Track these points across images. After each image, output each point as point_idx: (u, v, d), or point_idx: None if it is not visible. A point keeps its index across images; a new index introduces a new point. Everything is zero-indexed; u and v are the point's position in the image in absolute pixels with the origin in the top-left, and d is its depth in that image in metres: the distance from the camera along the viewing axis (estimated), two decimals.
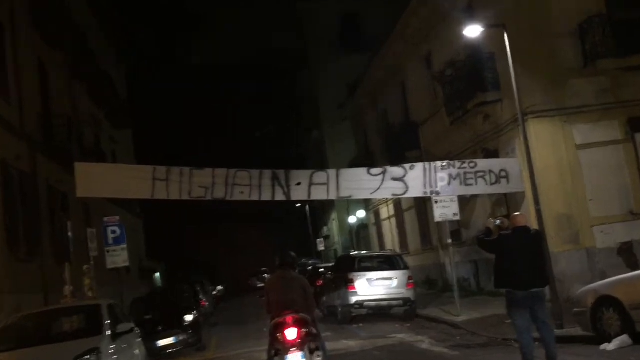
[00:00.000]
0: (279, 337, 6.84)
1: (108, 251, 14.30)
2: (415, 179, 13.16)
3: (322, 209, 45.03)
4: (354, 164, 27.01)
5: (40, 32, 17.59)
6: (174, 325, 13.55)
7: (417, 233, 22.92)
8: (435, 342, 11.36)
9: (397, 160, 18.18)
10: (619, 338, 8.35)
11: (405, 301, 15.13)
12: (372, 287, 15.23)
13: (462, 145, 17.13)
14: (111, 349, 8.02)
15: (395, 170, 13.19)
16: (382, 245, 27.56)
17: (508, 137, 14.65)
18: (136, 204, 27.65)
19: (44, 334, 8.69)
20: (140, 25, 48.31)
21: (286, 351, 6.75)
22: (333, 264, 22.09)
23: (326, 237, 43.74)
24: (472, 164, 13.40)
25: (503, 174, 13.37)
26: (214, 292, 30.30)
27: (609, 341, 8.44)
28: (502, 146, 15.03)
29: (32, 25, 17.08)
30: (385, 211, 27.16)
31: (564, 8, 13.75)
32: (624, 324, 8.40)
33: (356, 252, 20.18)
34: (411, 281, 15.40)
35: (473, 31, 12.59)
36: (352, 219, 36.99)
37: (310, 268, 27.01)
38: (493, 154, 15.37)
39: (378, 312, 15.58)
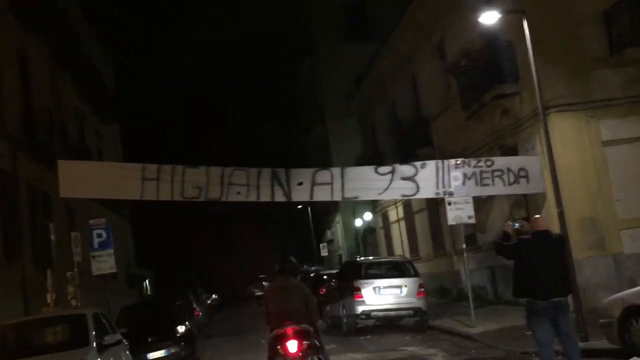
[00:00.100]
0: (279, 350, 6.84)
1: (94, 256, 14.30)
2: (426, 178, 13.14)
3: (325, 211, 45.04)
4: (360, 162, 27.01)
5: (20, 18, 17.61)
6: (165, 337, 13.53)
7: (428, 237, 22.90)
8: (449, 355, 11.35)
9: (407, 158, 18.16)
10: None
11: (416, 311, 15.11)
12: (380, 295, 15.22)
13: (478, 141, 17.11)
14: None
15: (405, 169, 13.17)
16: (390, 251, 27.56)
17: (528, 133, 14.62)
18: (124, 205, 27.64)
19: (25, 346, 8.70)
20: (130, 13, 48.42)
21: None
22: (337, 270, 22.10)
23: (330, 242, 43.76)
24: (488, 162, 13.38)
25: (522, 173, 13.34)
26: (209, 301, 30.32)
27: (639, 355, 8.41)
28: (522, 143, 15.00)
29: (10, 10, 17.09)
30: (394, 213, 27.15)
31: None
32: None
33: (362, 258, 20.17)
34: (422, 289, 15.39)
35: (490, 18, 12.57)
36: (358, 222, 37.01)
37: (312, 275, 27.05)
38: (511, 151, 15.34)
39: (386, 322, 15.57)
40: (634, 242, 13.31)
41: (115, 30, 30.46)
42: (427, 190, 13.31)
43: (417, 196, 13.89)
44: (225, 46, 58.40)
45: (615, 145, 13.66)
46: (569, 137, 13.53)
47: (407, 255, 23.66)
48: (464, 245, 14.80)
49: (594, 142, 13.64)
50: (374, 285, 15.33)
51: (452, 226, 15.41)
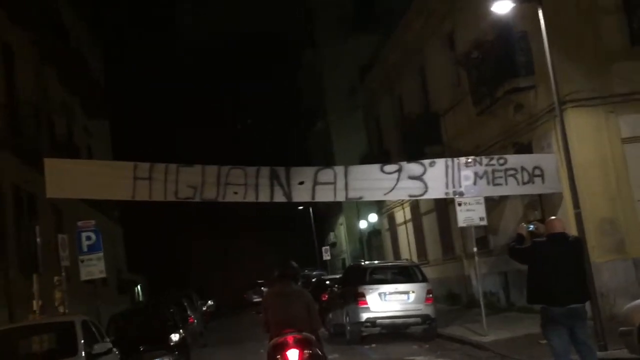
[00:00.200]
0: None
1: (82, 260, 14.34)
2: (435, 177, 13.15)
3: (328, 213, 45.08)
4: (365, 160, 27.08)
5: (4, 6, 17.65)
6: (157, 346, 13.58)
7: (437, 240, 22.91)
8: None
9: (415, 155, 18.15)
10: None
11: (424, 318, 15.13)
12: (386, 302, 15.24)
13: (490, 138, 17.12)
14: None
15: (413, 168, 13.19)
16: (396, 254, 27.56)
17: (543, 130, 14.63)
18: (114, 206, 27.72)
19: (10, 355, 8.74)
20: (121, 3, 48.54)
21: None
22: (341, 275, 22.12)
23: (333, 245, 43.81)
24: (501, 161, 13.39)
25: (537, 171, 13.34)
26: (204, 308, 30.37)
27: None
28: (537, 140, 15.01)
29: None
30: (401, 215, 27.16)
31: None
32: None
33: (367, 262, 20.18)
34: (430, 295, 15.41)
35: (503, 7, 12.56)
36: (362, 224, 37.05)
37: (314, 280, 27.08)
38: (526, 148, 15.35)
39: (392, 330, 15.60)
40: None
41: (104, 21, 30.52)
42: (436, 190, 13.32)
43: (426, 196, 13.91)
44: (222, 37, 58.35)
45: (635, 143, 13.64)
46: (587, 133, 13.53)
47: (415, 259, 23.67)
48: (475, 249, 14.80)
49: (613, 139, 13.64)
50: (380, 291, 15.34)
51: (462, 228, 15.41)
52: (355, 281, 15.98)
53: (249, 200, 12.54)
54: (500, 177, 13.28)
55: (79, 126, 25.50)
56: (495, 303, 17.67)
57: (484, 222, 13.94)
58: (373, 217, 34.01)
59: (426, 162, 13.39)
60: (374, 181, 13.04)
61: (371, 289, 15.37)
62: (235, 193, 12.45)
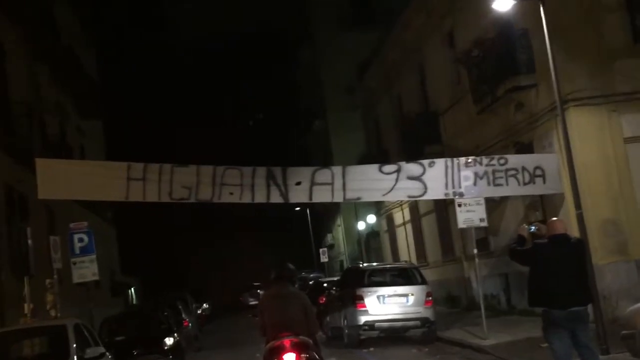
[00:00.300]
0: None
1: (74, 262, 14.31)
2: (435, 178, 13.16)
3: (325, 214, 45.08)
4: (364, 159, 27.06)
5: None
6: (151, 350, 13.56)
7: (437, 242, 22.92)
8: None
9: (414, 155, 18.17)
10: None
11: (423, 321, 15.13)
12: (385, 305, 15.23)
13: (491, 138, 17.13)
14: None
15: (412, 168, 13.19)
16: (395, 256, 27.57)
17: (544, 129, 14.64)
18: (107, 207, 27.69)
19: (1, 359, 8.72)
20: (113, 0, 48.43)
21: None
22: (338, 277, 22.11)
23: (330, 247, 43.81)
24: (502, 161, 13.40)
25: (538, 172, 13.36)
26: (199, 311, 30.30)
27: None
28: (538, 139, 15.01)
29: None
30: (400, 216, 27.16)
31: None
32: None
33: (365, 264, 20.19)
34: (430, 298, 15.41)
35: (504, 4, 12.56)
36: (360, 225, 37.04)
37: (311, 282, 27.08)
38: (527, 148, 15.36)
39: (391, 334, 15.59)
40: None
41: (98, 20, 30.51)
42: (436, 190, 13.33)
43: (425, 197, 13.92)
44: (219, 36, 58.29)
45: (638, 142, 13.66)
46: (589, 133, 13.54)
47: (414, 261, 23.64)
48: (475, 251, 14.79)
49: (615, 138, 13.65)
50: (378, 293, 15.33)
51: (462, 230, 15.41)
52: (354, 283, 15.97)
53: (244, 201, 12.54)
54: (501, 177, 13.30)
55: (72, 126, 25.47)
56: (496, 306, 17.67)
57: (485, 224, 13.94)
58: (371, 219, 34.00)
59: (425, 162, 13.39)
60: (372, 181, 13.05)
61: (370, 291, 15.36)
62: (231, 194, 12.45)
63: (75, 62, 24.96)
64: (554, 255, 7.47)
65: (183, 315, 19.87)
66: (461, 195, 13.36)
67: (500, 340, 13.15)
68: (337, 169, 13.07)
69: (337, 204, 36.95)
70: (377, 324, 15.21)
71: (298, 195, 12.78)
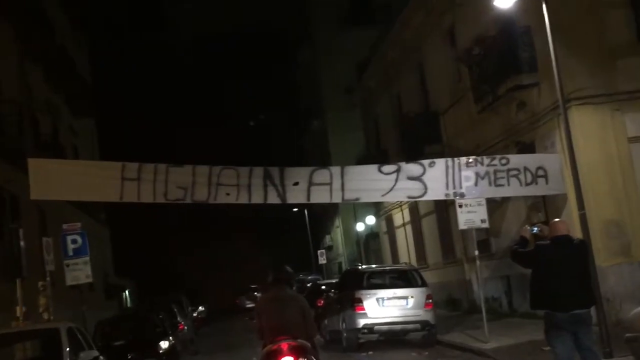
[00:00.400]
0: None
1: (68, 264, 14.30)
2: (435, 178, 13.16)
3: (324, 215, 45.09)
4: (363, 160, 27.08)
5: None
6: (146, 353, 13.57)
7: (437, 243, 22.92)
8: None
9: (414, 155, 18.18)
10: None
11: (423, 324, 15.14)
12: (384, 307, 15.23)
13: (492, 137, 17.14)
14: None
15: (412, 168, 13.19)
16: (395, 258, 27.58)
17: (547, 128, 14.65)
18: (101, 208, 27.68)
19: None
20: None
21: None
22: (337, 280, 22.10)
23: (329, 248, 43.82)
24: (503, 161, 13.40)
25: (540, 172, 13.36)
26: (195, 314, 30.30)
27: None
28: (540, 139, 15.03)
29: None
30: (400, 217, 27.17)
31: None
32: None
33: (365, 266, 20.18)
34: (430, 301, 15.41)
35: (505, 1, 12.58)
36: (359, 227, 37.05)
37: (309, 285, 27.06)
38: (529, 148, 15.37)
39: (391, 337, 15.58)
40: None
41: (91, 19, 30.49)
42: (436, 191, 13.32)
43: (425, 198, 13.91)
44: (217, 35, 58.32)
45: None
46: (592, 132, 13.55)
47: (414, 263, 23.66)
48: (477, 252, 14.79)
49: (619, 137, 13.66)
50: (377, 296, 15.33)
51: (463, 231, 15.40)
52: (352, 286, 15.97)
53: (241, 201, 12.53)
54: (503, 177, 13.29)
55: (64, 125, 25.45)
56: (497, 308, 17.67)
57: (486, 225, 13.94)
58: (371, 220, 34.01)
59: (425, 162, 13.39)
60: (371, 182, 13.04)
61: (369, 294, 15.36)
62: (228, 194, 12.43)
63: (68, 61, 24.94)
64: (556, 257, 7.48)
65: (178, 318, 19.85)
66: (462, 195, 13.35)
67: (502, 343, 13.15)
68: (336, 169, 13.06)
69: (335, 205, 37.02)
70: (376, 327, 15.20)
71: (296, 196, 12.77)
